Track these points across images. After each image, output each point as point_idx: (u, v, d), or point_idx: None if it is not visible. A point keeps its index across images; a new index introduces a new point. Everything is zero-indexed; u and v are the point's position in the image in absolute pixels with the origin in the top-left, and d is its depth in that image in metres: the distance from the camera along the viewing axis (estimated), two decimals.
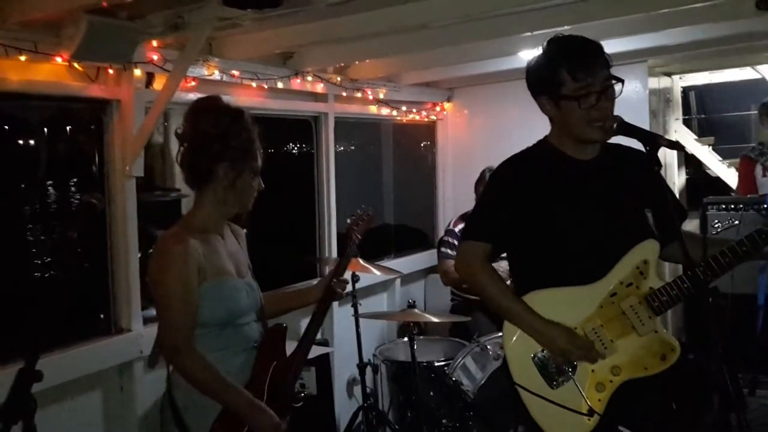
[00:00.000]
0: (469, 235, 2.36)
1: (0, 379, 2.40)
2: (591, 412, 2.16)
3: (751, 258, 2.16)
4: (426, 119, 5.74)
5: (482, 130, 5.68)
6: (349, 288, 4.00)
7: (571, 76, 2.15)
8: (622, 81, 2.19)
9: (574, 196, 2.25)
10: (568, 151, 2.29)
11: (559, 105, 2.21)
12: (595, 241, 2.22)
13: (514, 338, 2.27)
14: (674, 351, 2.20)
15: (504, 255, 2.45)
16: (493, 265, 2.33)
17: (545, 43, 2.28)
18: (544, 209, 2.25)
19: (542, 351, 2.23)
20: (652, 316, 2.20)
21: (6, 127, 3.32)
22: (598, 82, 2.16)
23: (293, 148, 5.10)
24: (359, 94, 4.74)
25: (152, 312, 3.98)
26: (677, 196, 6.07)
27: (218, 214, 2.26)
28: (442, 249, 4.87)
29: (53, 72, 2.92)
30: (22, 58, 2.72)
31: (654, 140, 2.02)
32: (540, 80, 2.25)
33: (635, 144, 2.11)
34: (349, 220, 2.71)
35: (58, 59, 2.82)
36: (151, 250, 2.27)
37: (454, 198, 5.75)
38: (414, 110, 5.48)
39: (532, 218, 2.25)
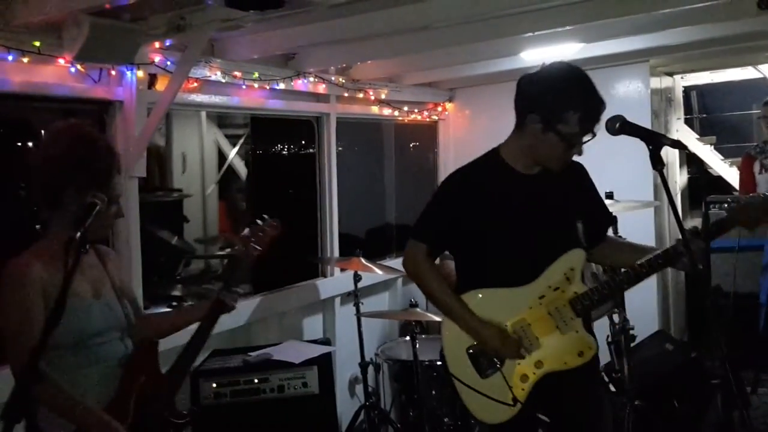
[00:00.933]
0: (413, 234, 2.61)
1: (4, 378, 2.43)
2: (515, 401, 2.40)
3: (671, 266, 2.44)
4: (427, 119, 5.75)
5: (483, 130, 5.67)
6: (351, 287, 4.05)
7: (580, 125, 2.30)
8: (594, 135, 2.35)
9: (513, 208, 2.45)
10: (517, 167, 2.48)
11: (545, 133, 2.33)
12: (529, 249, 2.43)
13: (452, 332, 2.51)
14: (591, 348, 2.45)
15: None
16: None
17: (560, 69, 2.35)
18: (485, 218, 2.45)
19: (476, 345, 2.47)
20: (574, 318, 2.43)
21: (9, 128, 3.33)
22: (589, 135, 2.34)
23: (295, 149, 5.11)
24: (361, 95, 4.75)
25: (156, 311, 3.99)
26: (679, 195, 6.11)
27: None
28: None
29: (56, 73, 2.92)
30: (25, 59, 2.72)
31: (656, 140, 2.08)
32: (545, 104, 2.34)
33: (637, 143, 2.13)
34: (246, 231, 2.50)
35: (61, 61, 2.82)
36: None
37: None
38: (416, 110, 5.49)
39: (471, 226, 2.46)
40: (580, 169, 2.60)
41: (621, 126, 2.20)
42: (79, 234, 1.79)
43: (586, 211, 2.53)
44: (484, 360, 2.45)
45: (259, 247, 2.49)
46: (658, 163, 2.01)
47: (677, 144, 2.13)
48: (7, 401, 1.61)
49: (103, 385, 2.17)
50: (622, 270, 2.48)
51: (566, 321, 2.42)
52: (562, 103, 2.30)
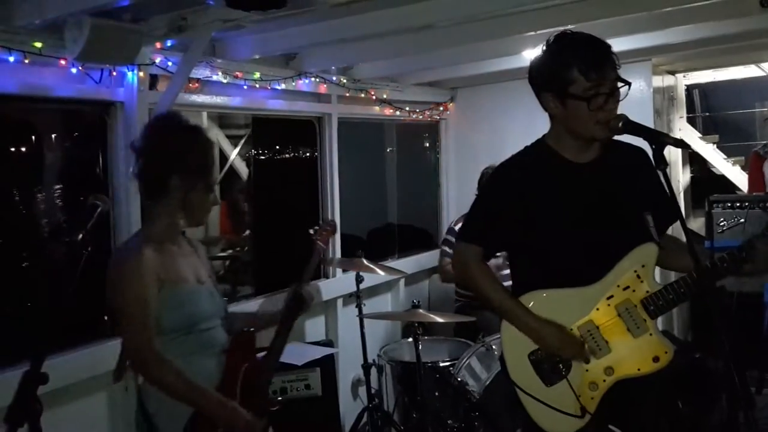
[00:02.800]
0: (463, 237, 2.43)
1: (6, 381, 2.42)
2: (583, 412, 2.21)
3: (750, 262, 2.16)
4: (429, 119, 5.74)
5: (486, 129, 5.67)
6: (353, 288, 4.04)
7: (583, 76, 2.13)
8: (629, 84, 2.19)
9: (572, 200, 2.27)
10: (566, 154, 2.30)
11: (565, 103, 2.19)
12: (593, 245, 2.24)
13: (512, 337, 2.32)
14: (667, 353, 2.24)
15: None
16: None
17: (551, 40, 2.24)
18: (541, 214, 2.27)
19: (538, 350, 2.28)
20: (647, 319, 2.23)
21: (10, 129, 3.33)
22: (608, 83, 2.15)
23: (296, 149, 5.11)
24: (363, 95, 4.74)
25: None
26: (681, 194, 6.09)
27: (172, 227, 2.29)
28: (443, 248, 4.96)
29: (57, 74, 2.93)
30: (26, 60, 2.72)
31: (659, 139, 2.02)
32: (547, 77, 2.22)
33: (640, 142, 2.11)
34: (312, 231, 2.78)
35: (62, 62, 2.83)
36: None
37: (458, 198, 5.73)
38: (417, 110, 5.48)
39: (527, 221, 2.28)
40: (641, 154, 2.30)
41: (624, 125, 2.15)
42: (81, 236, 1.79)
43: (650, 202, 2.25)
44: (548, 367, 2.26)
45: (324, 245, 2.74)
46: (661, 163, 1.94)
47: (680, 143, 2.07)
48: (9, 404, 1.61)
49: (212, 371, 2.25)
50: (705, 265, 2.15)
51: (638, 323, 2.22)
52: (558, 67, 2.17)
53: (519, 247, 2.37)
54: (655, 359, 2.23)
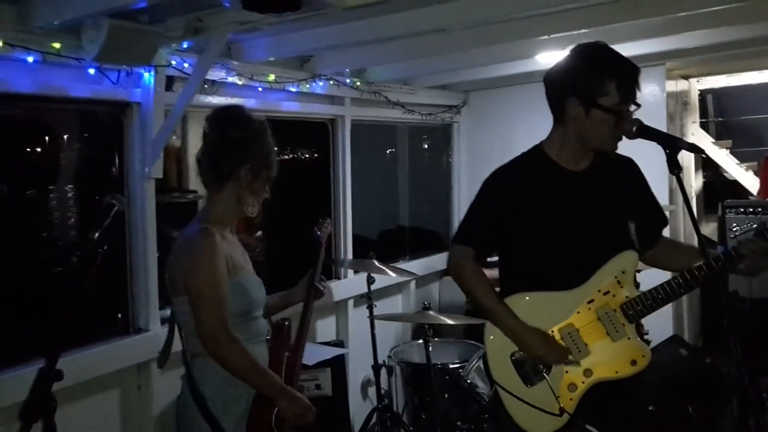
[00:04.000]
0: (457, 239, 2.52)
1: (22, 378, 2.45)
2: (561, 411, 2.28)
3: (730, 270, 2.25)
4: (442, 122, 5.75)
5: (498, 133, 5.67)
6: (364, 290, 4.05)
7: (619, 92, 2.21)
8: (639, 106, 2.26)
9: (561, 207, 2.34)
10: (562, 162, 2.37)
11: (589, 112, 2.24)
12: (577, 250, 2.32)
13: (495, 337, 2.40)
14: (644, 357, 2.31)
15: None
16: None
17: (585, 48, 2.29)
18: (530, 218, 2.35)
19: (519, 351, 2.36)
20: (626, 323, 2.31)
21: (28, 128, 3.36)
22: (633, 103, 2.24)
23: (310, 151, 5.13)
24: (376, 97, 4.76)
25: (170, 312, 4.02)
26: (694, 199, 6.07)
27: (233, 214, 2.38)
28: None
29: (75, 75, 2.96)
30: (45, 60, 2.75)
31: (674, 143, 2.04)
32: (579, 82, 2.25)
33: (654, 147, 2.12)
34: (316, 228, 2.98)
35: (80, 62, 2.86)
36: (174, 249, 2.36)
37: (470, 201, 5.66)
38: (430, 113, 5.49)
39: (517, 226, 2.36)
40: (632, 165, 2.47)
41: (638, 129, 2.18)
42: (96, 235, 1.81)
43: (638, 210, 2.40)
44: (529, 367, 2.34)
45: (322, 242, 2.88)
46: (675, 167, 1.97)
47: (694, 148, 2.10)
48: (24, 400, 1.62)
49: (261, 358, 2.33)
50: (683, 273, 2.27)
51: (617, 327, 2.30)
52: (595, 76, 2.22)
53: (508, 249, 2.45)
54: (633, 362, 2.30)
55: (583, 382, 2.31)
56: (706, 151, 6.27)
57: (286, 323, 2.52)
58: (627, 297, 2.31)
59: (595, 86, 2.22)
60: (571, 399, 2.30)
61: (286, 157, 5.56)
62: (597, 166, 2.38)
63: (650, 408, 3.50)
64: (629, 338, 2.31)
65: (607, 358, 2.30)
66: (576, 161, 2.37)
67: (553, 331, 2.34)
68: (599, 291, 2.32)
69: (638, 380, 2.33)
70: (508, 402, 2.36)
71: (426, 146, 6.16)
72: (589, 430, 2.29)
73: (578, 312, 2.33)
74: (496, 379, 2.39)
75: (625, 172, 2.44)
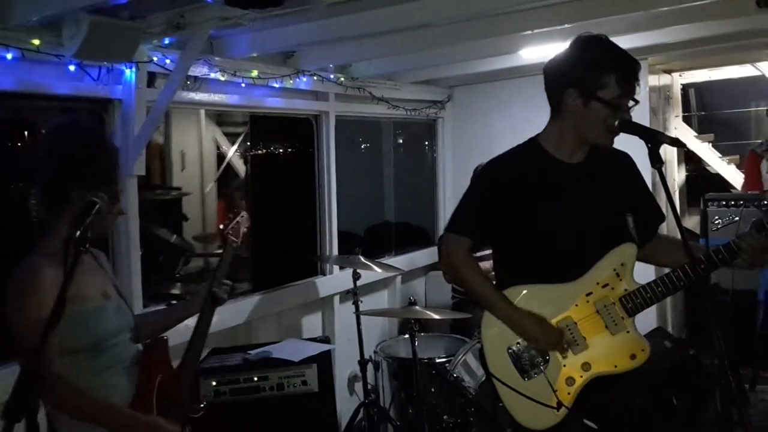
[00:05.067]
0: (451, 228, 2.48)
1: (4, 377, 2.43)
2: (559, 405, 2.25)
3: (729, 263, 2.21)
4: (426, 117, 5.75)
5: (482, 128, 5.69)
6: (350, 285, 4.06)
7: (619, 86, 2.20)
8: (637, 103, 2.26)
9: (558, 199, 2.32)
10: (557, 153, 2.35)
11: (587, 104, 2.24)
12: (575, 242, 2.29)
13: (493, 330, 2.38)
14: (644, 351, 2.28)
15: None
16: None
17: (586, 40, 2.29)
18: (528, 209, 2.32)
19: (517, 344, 2.34)
20: (625, 317, 2.28)
21: (8, 126, 3.33)
22: (630, 98, 2.24)
23: (294, 147, 5.11)
24: (360, 93, 4.75)
25: (155, 309, 3.99)
26: (677, 193, 6.11)
27: None
28: None
29: (55, 72, 2.93)
30: (24, 57, 2.72)
31: (655, 137, 2.05)
32: (579, 74, 2.25)
33: (637, 141, 2.13)
34: (221, 226, 2.61)
35: (60, 59, 2.83)
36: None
37: (455, 196, 5.75)
38: (415, 108, 5.49)
39: (514, 217, 2.33)
40: (627, 160, 2.45)
41: (620, 124, 2.19)
42: (78, 233, 1.77)
43: (634, 204, 2.38)
44: (526, 360, 2.32)
45: (236, 239, 2.56)
46: (656, 161, 1.96)
47: (676, 142, 2.10)
48: (8, 399, 1.61)
49: (125, 385, 2.17)
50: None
51: (616, 320, 2.27)
52: (596, 68, 2.21)
53: (504, 241, 2.42)
54: (632, 357, 2.27)
55: (581, 377, 2.28)
56: (689, 145, 6.33)
57: (159, 341, 2.30)
58: (626, 290, 2.28)
59: (595, 79, 2.21)
60: (569, 393, 2.27)
61: (271, 153, 5.55)
62: (592, 159, 2.36)
63: (638, 401, 3.52)
64: (628, 332, 2.28)
65: (605, 352, 2.28)
66: (571, 154, 2.35)
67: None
68: (598, 284, 2.29)
69: (635, 374, 2.31)
70: (505, 395, 2.33)
71: (411, 142, 6.16)
72: (588, 425, 2.28)
73: (576, 305, 2.30)
74: (493, 372, 2.36)
75: (620, 166, 2.43)
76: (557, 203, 2.31)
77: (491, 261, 2.52)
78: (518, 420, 2.31)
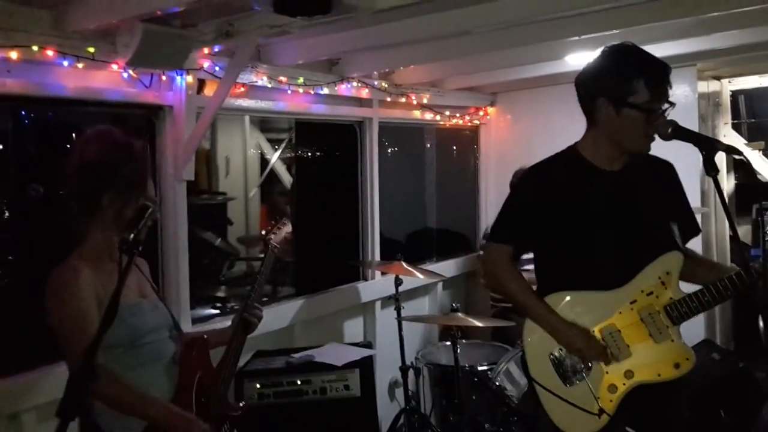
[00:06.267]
0: (493, 237, 2.49)
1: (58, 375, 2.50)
2: (601, 412, 2.24)
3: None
4: (469, 124, 5.75)
5: (525, 134, 5.65)
6: (391, 291, 4.07)
7: (649, 90, 2.19)
8: (674, 105, 2.24)
9: (599, 206, 2.32)
10: (597, 162, 2.35)
11: (620, 112, 2.23)
12: (616, 250, 2.29)
13: (534, 336, 2.38)
14: (688, 360, 2.26)
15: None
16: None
17: (613, 48, 2.29)
18: (569, 216, 2.32)
19: (559, 350, 2.34)
20: (669, 325, 2.27)
21: (63, 131, 3.43)
22: (664, 101, 2.21)
23: (337, 153, 5.15)
24: (403, 99, 4.77)
25: (201, 312, 4.07)
26: (726, 201, 5.97)
27: (107, 243, 2.19)
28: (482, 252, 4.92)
29: (109, 79, 3.01)
30: (80, 65, 2.80)
31: (711, 145, 2.03)
32: (608, 83, 2.25)
33: (684, 148, 2.10)
34: (263, 232, 2.69)
35: (114, 66, 2.90)
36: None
37: (497, 202, 5.66)
38: (457, 115, 5.49)
39: (556, 223, 2.34)
40: (669, 168, 2.44)
41: (674, 131, 2.16)
42: (132, 235, 1.82)
43: (674, 214, 2.38)
44: (568, 366, 2.31)
45: (277, 245, 2.64)
46: (712, 169, 1.95)
47: (732, 149, 2.07)
48: (62, 398, 1.65)
49: (164, 381, 2.24)
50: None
51: (660, 329, 2.26)
52: (623, 75, 2.21)
53: (545, 248, 2.42)
54: (677, 366, 2.26)
55: (624, 384, 2.26)
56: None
57: (200, 340, 2.38)
58: (671, 298, 2.26)
59: (624, 85, 2.21)
60: (611, 400, 2.26)
61: (315, 159, 5.61)
62: (632, 167, 2.35)
63: (685, 413, 3.46)
64: (673, 340, 2.27)
65: (649, 360, 2.26)
66: (610, 162, 2.34)
67: (594, 331, 2.31)
68: (642, 291, 2.28)
69: (680, 383, 2.28)
70: (547, 401, 2.32)
71: (453, 148, 6.15)
72: None
73: (620, 312, 2.29)
74: (534, 377, 2.36)
75: (662, 175, 2.42)
76: (598, 210, 2.31)
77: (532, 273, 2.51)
78: (559, 425, 2.30)
